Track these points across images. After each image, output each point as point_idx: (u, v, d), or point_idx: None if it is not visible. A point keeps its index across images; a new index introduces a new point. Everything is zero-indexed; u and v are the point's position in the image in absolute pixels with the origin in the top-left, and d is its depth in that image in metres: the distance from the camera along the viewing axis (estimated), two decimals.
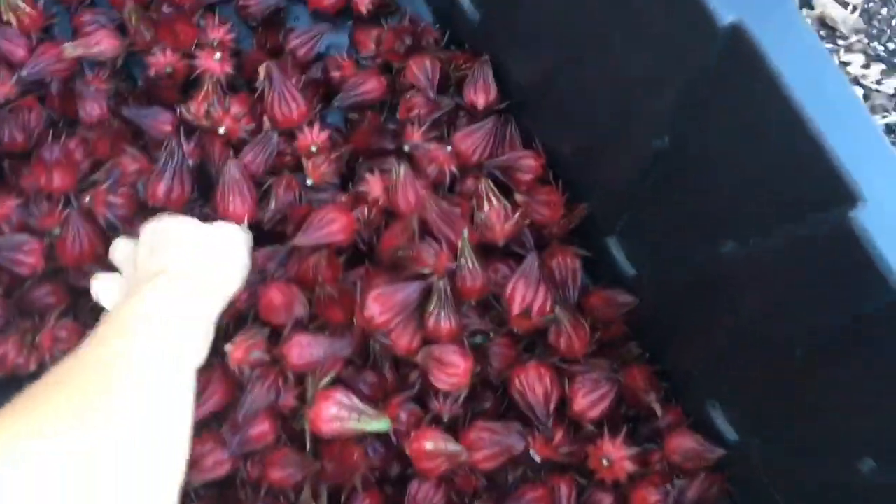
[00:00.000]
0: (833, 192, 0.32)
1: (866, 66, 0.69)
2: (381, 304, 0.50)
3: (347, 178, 0.58)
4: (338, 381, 0.51)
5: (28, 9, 0.60)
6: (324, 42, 0.63)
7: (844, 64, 0.69)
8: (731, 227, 0.39)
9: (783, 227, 0.35)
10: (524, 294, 0.52)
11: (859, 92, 0.69)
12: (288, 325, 0.51)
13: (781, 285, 0.39)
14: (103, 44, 0.59)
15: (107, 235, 0.54)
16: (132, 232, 0.50)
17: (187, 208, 0.55)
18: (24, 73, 0.59)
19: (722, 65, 0.33)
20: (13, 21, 0.60)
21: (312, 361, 0.50)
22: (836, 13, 0.70)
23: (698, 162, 0.40)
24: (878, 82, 0.69)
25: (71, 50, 0.59)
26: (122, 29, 0.61)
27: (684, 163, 0.41)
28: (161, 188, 0.54)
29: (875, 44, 0.70)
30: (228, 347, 0.49)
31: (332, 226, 0.52)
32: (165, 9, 0.60)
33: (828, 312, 0.36)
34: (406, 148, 0.57)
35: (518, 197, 0.55)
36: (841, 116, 0.31)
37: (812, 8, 0.70)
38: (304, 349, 0.50)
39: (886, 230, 0.31)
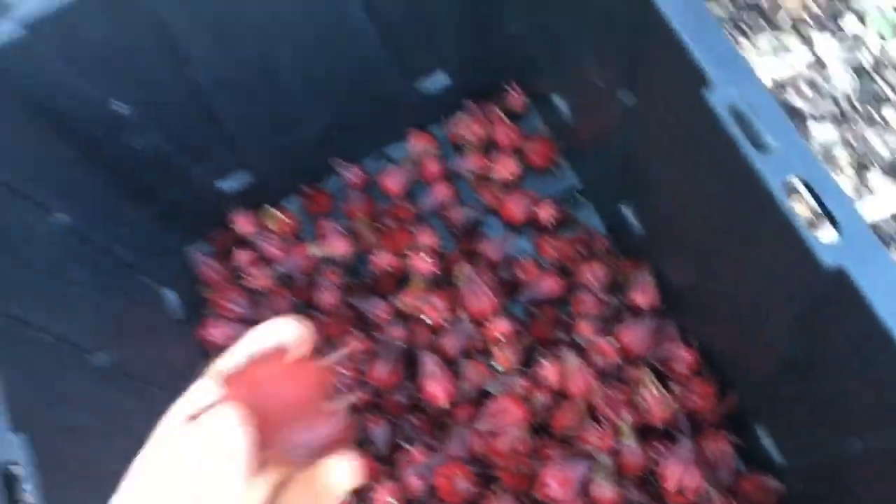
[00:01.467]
0: None
1: None
2: (557, 480, 0.60)
3: (526, 362, 0.69)
4: None
5: (286, 219, 0.78)
6: (512, 247, 0.75)
7: None
8: (852, 424, 0.46)
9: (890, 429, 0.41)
10: (678, 474, 0.60)
11: None
12: None
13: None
14: (339, 246, 0.75)
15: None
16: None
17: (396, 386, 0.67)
18: (279, 268, 0.75)
19: (828, 300, 0.41)
20: (273, 227, 0.78)
21: None
22: None
23: (820, 369, 0.47)
24: None
25: (314, 250, 0.75)
26: (353, 234, 0.76)
27: (809, 368, 0.49)
28: (377, 368, 0.67)
29: None
30: None
31: (505, 416, 0.63)
32: (388, 220, 0.75)
33: None
34: (577, 340, 0.67)
35: (674, 386, 0.64)
36: None
37: None
38: None
39: None
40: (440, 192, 0.76)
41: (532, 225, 0.75)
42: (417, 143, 0.78)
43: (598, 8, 0.54)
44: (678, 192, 0.58)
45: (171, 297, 0.73)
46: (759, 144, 0.43)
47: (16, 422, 0.47)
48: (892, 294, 0.39)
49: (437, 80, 0.76)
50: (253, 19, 0.60)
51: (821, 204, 0.41)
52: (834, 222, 0.41)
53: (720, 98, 0.44)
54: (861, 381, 0.45)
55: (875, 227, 0.75)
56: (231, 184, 0.75)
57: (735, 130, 0.44)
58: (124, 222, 0.71)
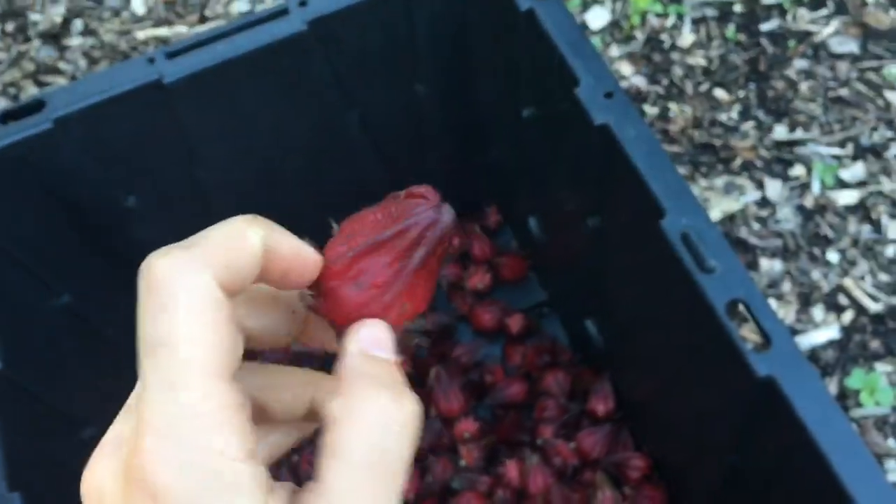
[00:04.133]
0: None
1: None
2: None
3: (491, 461, 0.73)
4: None
5: None
6: (481, 353, 0.80)
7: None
8: None
9: None
10: None
11: None
12: None
13: None
14: (321, 345, 0.80)
15: None
16: None
17: None
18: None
19: (761, 408, 0.47)
20: None
21: None
22: None
23: (757, 480, 0.53)
24: None
25: (296, 347, 0.79)
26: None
27: (749, 480, 0.54)
28: None
29: None
30: None
31: None
32: None
33: None
34: (539, 441, 0.71)
35: (626, 491, 0.68)
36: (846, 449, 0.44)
37: (895, 355, 0.82)
38: None
39: None
40: None
41: (501, 333, 0.81)
42: None
43: (572, 145, 0.62)
44: (635, 310, 0.64)
45: None
46: (704, 268, 0.50)
47: (12, 481, 0.50)
48: (815, 400, 0.45)
49: None
50: (261, 129, 0.67)
51: (755, 320, 0.48)
52: (765, 336, 0.47)
53: (672, 226, 0.51)
54: (791, 490, 0.50)
55: (814, 352, 0.82)
56: None
57: (684, 254, 0.50)
58: (120, 307, 0.75)
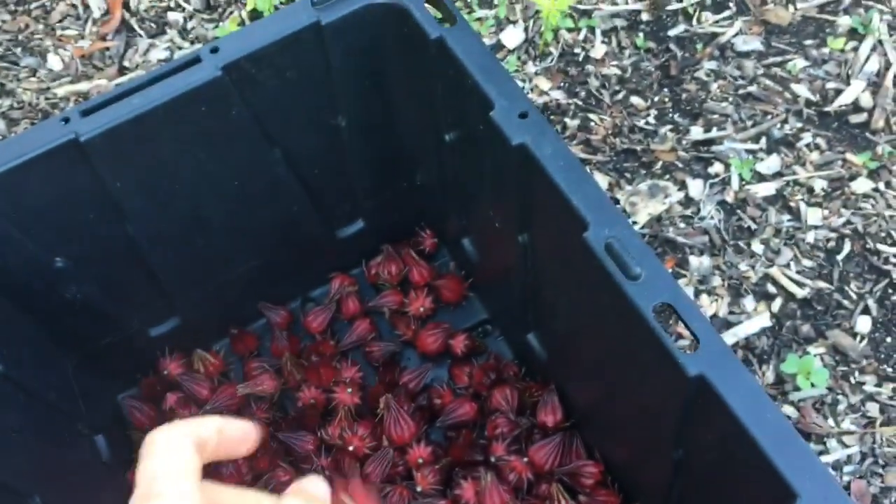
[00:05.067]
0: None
1: (878, 385, 0.83)
2: None
3: (446, 483, 0.73)
4: None
5: (212, 359, 0.82)
6: (428, 376, 0.81)
7: (860, 384, 0.83)
8: None
9: None
10: None
11: (875, 406, 0.82)
12: None
13: None
14: (266, 384, 0.79)
15: None
16: None
17: None
18: (207, 407, 0.78)
19: (694, 404, 0.49)
20: (201, 368, 0.82)
21: None
22: (846, 342, 0.85)
23: (699, 473, 0.54)
24: (891, 398, 0.82)
25: (242, 389, 0.79)
26: (278, 371, 0.81)
27: (691, 474, 0.55)
28: None
29: (884, 366, 0.84)
30: None
31: None
32: (313, 357, 0.80)
33: None
34: (492, 459, 0.72)
35: (582, 498, 0.69)
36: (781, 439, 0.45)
37: (825, 338, 0.85)
38: None
39: None
40: (360, 329, 0.82)
41: (446, 355, 0.81)
42: (338, 285, 0.84)
43: (494, 166, 0.63)
44: (571, 320, 0.66)
45: (101, 441, 0.76)
46: (630, 275, 0.51)
47: None
48: (745, 393, 0.47)
49: (355, 227, 0.83)
50: (185, 177, 0.67)
51: (683, 322, 0.49)
52: (695, 337, 0.49)
53: (596, 238, 0.53)
54: (734, 480, 0.51)
55: (748, 341, 0.85)
56: (162, 329, 0.79)
57: (610, 264, 0.52)
58: (56, 369, 0.74)
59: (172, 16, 1.11)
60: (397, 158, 0.78)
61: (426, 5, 0.64)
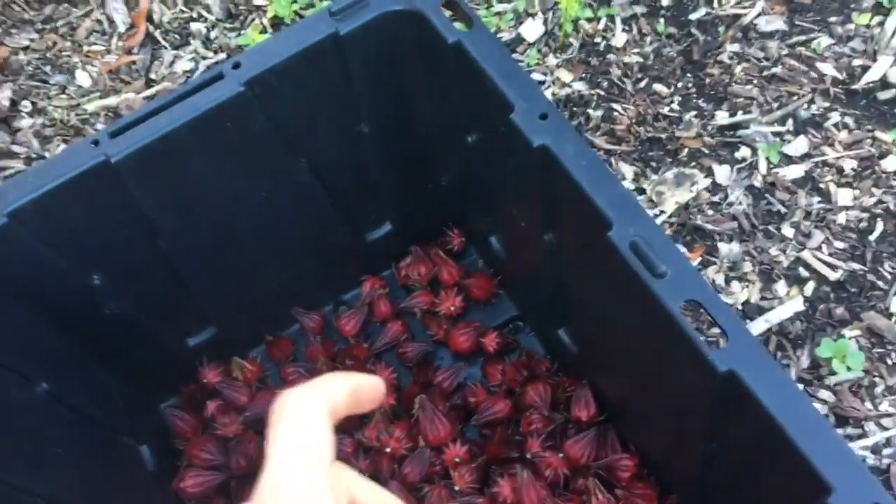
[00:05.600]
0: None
1: None
2: None
3: (483, 481, 0.74)
4: None
5: (249, 366, 0.83)
6: (462, 375, 0.82)
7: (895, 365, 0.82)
8: None
9: None
10: None
11: None
12: None
13: None
14: None
15: None
16: None
17: None
18: (247, 414, 0.80)
19: (725, 400, 0.49)
20: (239, 376, 0.83)
21: None
22: (882, 323, 0.84)
23: (733, 466, 0.54)
24: None
25: None
26: (315, 376, 0.82)
27: (724, 467, 0.55)
28: None
29: None
30: None
31: None
32: (347, 360, 0.81)
33: None
34: (528, 456, 0.73)
35: (618, 492, 0.69)
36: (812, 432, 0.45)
37: (860, 320, 0.84)
38: None
39: None
40: (393, 330, 0.83)
41: (478, 353, 0.82)
42: (369, 287, 0.85)
43: (517, 167, 0.63)
44: (599, 317, 0.66)
45: (146, 451, 0.78)
46: (656, 273, 0.51)
47: None
48: (774, 387, 0.47)
49: (383, 230, 0.84)
50: (214, 192, 0.68)
51: (711, 318, 0.49)
52: (723, 332, 0.49)
53: (621, 237, 0.53)
54: (768, 473, 0.51)
55: (782, 327, 0.84)
56: (199, 339, 0.81)
57: (636, 263, 0.52)
58: (99, 385, 0.76)
59: (195, 26, 1.13)
60: (421, 161, 0.78)
61: (443, 9, 0.64)
